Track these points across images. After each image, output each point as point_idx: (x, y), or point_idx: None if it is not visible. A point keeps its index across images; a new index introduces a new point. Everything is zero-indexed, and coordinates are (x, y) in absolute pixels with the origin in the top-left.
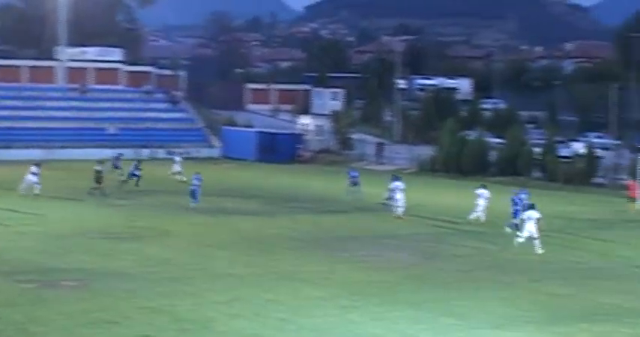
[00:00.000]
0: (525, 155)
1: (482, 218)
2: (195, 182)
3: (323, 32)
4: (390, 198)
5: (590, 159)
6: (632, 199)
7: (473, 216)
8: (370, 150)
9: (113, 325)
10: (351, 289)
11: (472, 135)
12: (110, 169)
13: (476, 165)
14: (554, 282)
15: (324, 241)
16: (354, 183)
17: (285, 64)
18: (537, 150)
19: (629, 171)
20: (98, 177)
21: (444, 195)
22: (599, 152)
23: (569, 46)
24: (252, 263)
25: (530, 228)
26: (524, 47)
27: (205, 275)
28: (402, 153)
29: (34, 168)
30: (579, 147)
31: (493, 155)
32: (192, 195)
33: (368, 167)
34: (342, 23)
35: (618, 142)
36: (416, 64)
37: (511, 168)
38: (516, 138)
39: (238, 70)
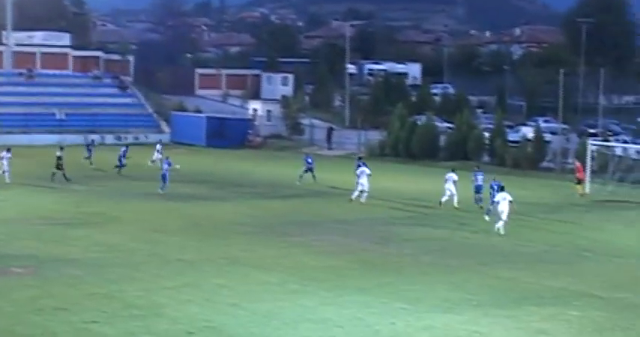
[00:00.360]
0: (475, 139)
1: (455, 201)
2: (165, 166)
3: (272, 17)
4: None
5: (539, 143)
6: (580, 181)
7: (444, 199)
8: (320, 135)
9: (62, 311)
10: (301, 274)
11: (422, 119)
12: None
13: (425, 149)
14: (502, 266)
15: (275, 226)
16: (309, 169)
17: (234, 49)
18: (486, 134)
19: (577, 155)
20: (59, 163)
21: (393, 179)
22: (547, 136)
23: (518, 31)
24: (203, 248)
25: (502, 208)
26: (473, 32)
27: (155, 261)
28: (352, 138)
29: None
30: (528, 132)
31: (442, 139)
32: (163, 179)
33: (318, 152)
34: (291, 8)
35: (566, 127)
36: (366, 49)
37: (460, 152)
38: (466, 122)
39: (187, 55)
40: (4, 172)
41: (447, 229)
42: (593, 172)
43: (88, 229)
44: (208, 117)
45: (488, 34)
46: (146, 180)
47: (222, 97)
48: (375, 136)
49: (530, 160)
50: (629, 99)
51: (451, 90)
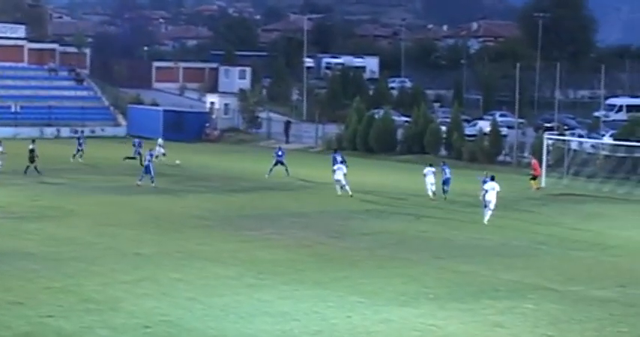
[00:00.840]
0: (432, 133)
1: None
2: (148, 157)
3: (230, 10)
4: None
5: (495, 137)
6: (535, 177)
7: (430, 192)
8: (278, 128)
9: (17, 306)
10: (258, 268)
11: (379, 113)
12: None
13: (383, 143)
14: (458, 259)
15: (232, 220)
16: (280, 163)
17: (192, 42)
18: (443, 128)
19: (533, 149)
20: (32, 156)
21: (351, 173)
22: (503, 130)
23: (475, 25)
24: (160, 242)
25: (490, 198)
26: (430, 26)
27: (112, 255)
28: (310, 132)
29: None
30: (485, 126)
31: (400, 133)
32: (147, 170)
33: (275, 145)
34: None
35: (522, 121)
36: (323, 43)
37: (418, 146)
38: (423, 116)
39: (144, 48)
40: None
41: (403, 223)
42: (548, 166)
43: (43, 223)
44: (165, 111)
45: (445, 28)
46: (104, 174)
47: (180, 90)
48: (333, 130)
49: (487, 154)
50: (584, 93)
51: (408, 84)
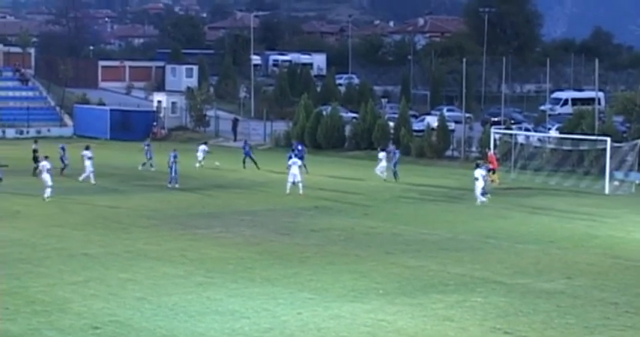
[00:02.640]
0: (379, 129)
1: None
2: (171, 159)
3: (176, 8)
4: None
5: (443, 132)
6: (493, 171)
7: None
8: (226, 126)
9: None
10: (207, 266)
11: (327, 110)
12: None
13: (331, 139)
14: (407, 254)
15: (180, 218)
16: (249, 156)
17: (138, 41)
18: (391, 124)
19: (481, 144)
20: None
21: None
22: (451, 125)
23: (421, 20)
24: (108, 242)
25: (479, 185)
26: (377, 22)
27: (59, 256)
28: (258, 129)
29: None
30: (432, 121)
31: (348, 129)
32: (173, 172)
33: (224, 143)
34: None
35: (469, 115)
36: (270, 40)
37: (366, 142)
38: (370, 112)
39: (90, 47)
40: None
41: (352, 219)
42: (496, 160)
43: None
44: (112, 110)
45: (392, 24)
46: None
47: (126, 89)
48: (281, 127)
49: (435, 149)
50: (530, 87)
51: (356, 81)
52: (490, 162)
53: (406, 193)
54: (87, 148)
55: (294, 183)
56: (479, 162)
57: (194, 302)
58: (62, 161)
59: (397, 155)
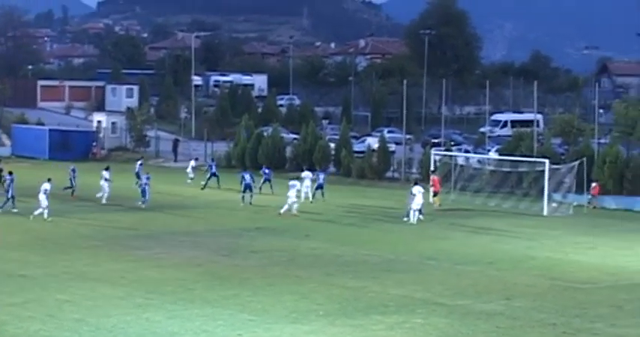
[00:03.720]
0: (320, 150)
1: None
2: (144, 181)
3: (117, 28)
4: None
5: (383, 153)
6: (435, 194)
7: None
8: (166, 147)
9: None
10: (146, 287)
11: (268, 131)
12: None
13: (272, 160)
14: (347, 275)
15: (119, 239)
16: (268, 179)
17: (78, 61)
18: (332, 145)
19: (421, 165)
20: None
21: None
22: (392, 146)
23: (362, 42)
24: (46, 263)
25: (418, 201)
26: (318, 44)
27: None
28: (199, 150)
29: None
30: (373, 142)
31: (289, 150)
32: (143, 194)
33: (164, 164)
34: (135, 19)
35: (410, 137)
36: (212, 61)
37: (307, 163)
38: (311, 133)
39: (29, 67)
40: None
41: (294, 240)
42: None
43: None
44: (51, 130)
45: (333, 45)
46: None
47: (66, 109)
48: (222, 147)
49: (375, 170)
50: (470, 109)
51: (297, 102)
52: (433, 185)
53: (348, 214)
54: (107, 169)
55: (291, 204)
56: (417, 179)
57: (133, 324)
58: (71, 182)
59: (322, 177)
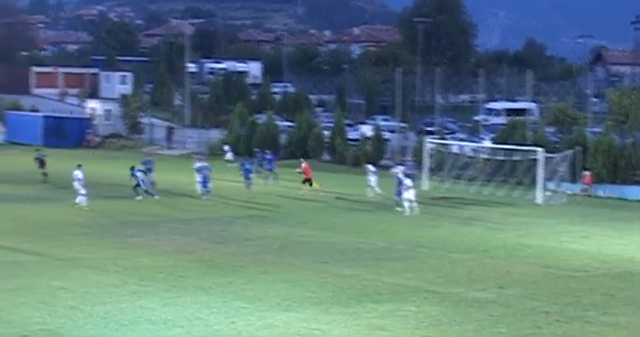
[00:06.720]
0: (315, 138)
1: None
2: (206, 173)
3: (111, 14)
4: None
5: (378, 141)
6: (307, 181)
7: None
8: (160, 134)
9: None
10: (140, 274)
11: (262, 118)
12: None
13: (266, 147)
14: (341, 264)
15: (112, 227)
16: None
17: (72, 47)
18: (327, 133)
19: (415, 153)
20: None
21: (234, 178)
22: (386, 134)
23: (357, 30)
24: (38, 250)
25: (409, 196)
26: (313, 31)
27: None
28: (193, 137)
29: None
30: (367, 130)
31: (283, 138)
32: (205, 183)
33: (158, 152)
34: (129, 6)
35: (404, 125)
36: (206, 48)
37: (301, 150)
38: (306, 121)
39: (23, 53)
40: None
41: (286, 227)
42: (430, 170)
43: None
44: (45, 117)
45: (327, 33)
46: None
47: (60, 96)
48: (216, 135)
49: (370, 158)
50: (464, 97)
51: (291, 89)
52: (305, 173)
53: (341, 202)
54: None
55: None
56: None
57: (127, 311)
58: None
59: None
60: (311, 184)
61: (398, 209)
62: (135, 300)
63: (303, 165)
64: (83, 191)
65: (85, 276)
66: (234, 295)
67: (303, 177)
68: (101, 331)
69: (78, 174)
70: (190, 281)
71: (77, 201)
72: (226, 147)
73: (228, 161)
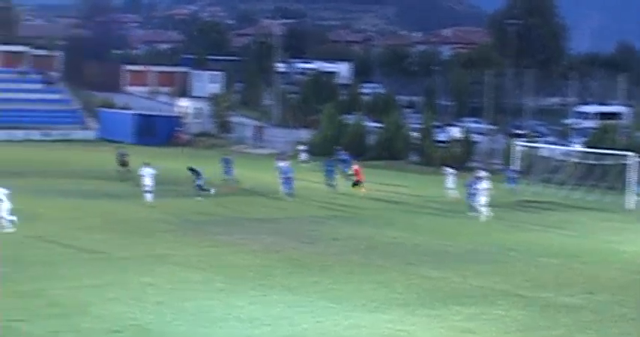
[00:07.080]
0: (403, 139)
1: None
2: (289, 174)
3: (202, 14)
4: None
5: (467, 143)
6: (358, 183)
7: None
8: (249, 133)
9: None
10: (227, 272)
11: (351, 119)
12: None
13: (354, 148)
14: (428, 265)
15: (200, 225)
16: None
17: (163, 46)
18: (415, 134)
19: (504, 156)
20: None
21: (320, 178)
22: (475, 137)
23: (446, 31)
24: (128, 246)
25: (482, 200)
26: (402, 32)
27: (80, 259)
28: (281, 137)
29: None
30: (456, 132)
31: (371, 139)
32: (288, 184)
33: (247, 150)
34: (221, 5)
35: (493, 127)
36: (296, 48)
37: (388, 151)
38: (394, 122)
39: (116, 51)
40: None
41: (373, 228)
42: (519, 173)
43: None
44: (136, 114)
45: (417, 34)
46: (72, 178)
47: (151, 94)
48: (304, 135)
49: (458, 160)
50: (555, 100)
51: (381, 90)
52: (356, 175)
53: (427, 203)
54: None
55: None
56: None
57: (215, 309)
58: (226, 174)
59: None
60: (355, 185)
61: (471, 214)
62: (222, 298)
63: (355, 167)
64: (148, 187)
65: (173, 273)
66: (320, 295)
67: (354, 178)
68: (190, 327)
69: (150, 171)
70: (277, 280)
71: (146, 199)
72: (301, 147)
73: (302, 161)
